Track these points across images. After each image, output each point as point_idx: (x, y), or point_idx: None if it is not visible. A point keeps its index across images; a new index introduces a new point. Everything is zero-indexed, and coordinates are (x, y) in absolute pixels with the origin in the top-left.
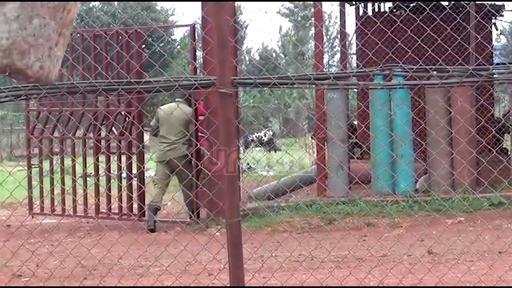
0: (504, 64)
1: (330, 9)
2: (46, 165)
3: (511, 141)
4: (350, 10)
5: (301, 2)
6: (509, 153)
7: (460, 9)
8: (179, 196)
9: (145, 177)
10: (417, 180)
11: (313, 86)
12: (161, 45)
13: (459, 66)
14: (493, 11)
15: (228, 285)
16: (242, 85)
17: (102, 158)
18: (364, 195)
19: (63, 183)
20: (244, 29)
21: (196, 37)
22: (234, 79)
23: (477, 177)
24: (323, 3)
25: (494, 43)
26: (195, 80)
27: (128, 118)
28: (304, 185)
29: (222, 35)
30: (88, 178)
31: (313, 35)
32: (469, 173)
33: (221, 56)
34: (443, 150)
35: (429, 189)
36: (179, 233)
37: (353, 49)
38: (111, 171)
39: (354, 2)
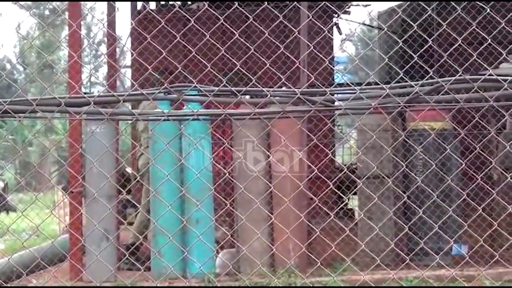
0: (350, 85)
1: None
2: None
3: (358, 199)
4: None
5: None
6: (355, 216)
7: (288, 3)
8: None
9: None
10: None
11: (65, 115)
12: None
13: (283, 89)
14: (333, 7)
15: None
16: None
17: None
18: (139, 280)
19: None
20: None
21: None
22: None
23: (308, 253)
24: None
25: (337, 53)
26: None
27: None
28: (50, 264)
29: None
30: None
31: (67, 38)
32: (297, 247)
33: None
34: (258, 212)
35: (236, 271)
36: None
37: (128, 59)
38: None
39: None
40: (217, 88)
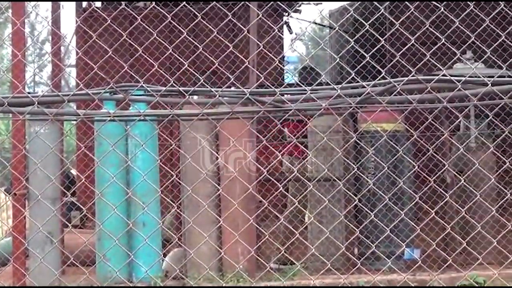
0: (301, 85)
1: None
2: None
3: (309, 202)
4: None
5: None
6: (305, 218)
7: (237, 1)
8: None
9: None
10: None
11: (8, 115)
12: None
13: (232, 89)
14: (283, 5)
15: None
16: None
17: None
18: (84, 284)
19: None
20: None
21: None
22: None
23: (256, 257)
24: None
25: (287, 53)
26: None
27: None
28: None
29: None
30: None
31: (11, 36)
32: (245, 251)
33: None
34: (206, 215)
35: (183, 275)
36: None
37: (73, 58)
38: None
39: None
40: (164, 88)
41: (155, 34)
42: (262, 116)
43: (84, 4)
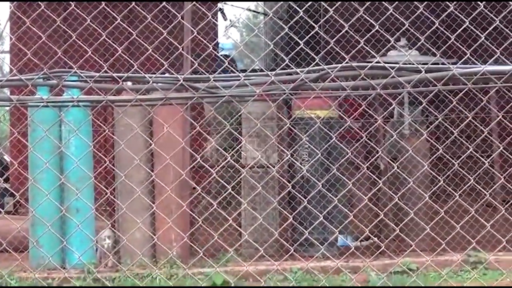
0: (235, 72)
1: None
2: None
3: (243, 189)
4: None
5: None
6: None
7: None
8: None
9: None
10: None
11: None
12: None
13: (166, 75)
14: None
15: None
16: None
17: None
18: (17, 269)
19: None
20: None
21: None
22: None
23: (190, 244)
24: None
25: (221, 40)
26: None
27: None
28: None
29: None
30: None
31: None
32: (179, 237)
33: None
34: (140, 201)
35: (117, 261)
36: None
37: (6, 44)
38: None
39: None
40: (98, 74)
41: (89, 20)
42: (196, 102)
43: None
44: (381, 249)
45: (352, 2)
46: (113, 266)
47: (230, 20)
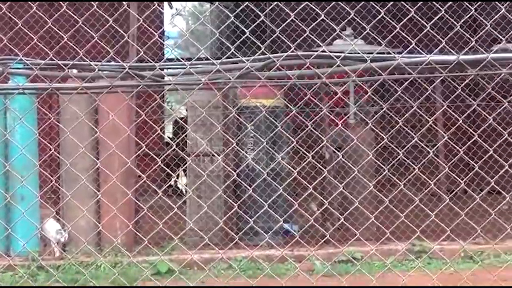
0: (180, 60)
1: None
2: None
3: (188, 177)
4: None
5: None
6: (184, 194)
7: None
8: None
9: None
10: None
11: None
12: None
13: (112, 63)
14: None
15: None
16: None
17: None
18: None
19: None
20: None
21: None
22: None
23: (135, 232)
24: None
25: (167, 28)
26: None
27: None
28: None
29: None
30: None
31: None
32: (124, 225)
33: None
34: (85, 189)
35: (62, 249)
36: None
37: None
38: None
39: None
40: (43, 62)
41: (35, 7)
42: (141, 90)
43: None
44: (325, 238)
45: None
46: (59, 255)
47: (176, 9)
